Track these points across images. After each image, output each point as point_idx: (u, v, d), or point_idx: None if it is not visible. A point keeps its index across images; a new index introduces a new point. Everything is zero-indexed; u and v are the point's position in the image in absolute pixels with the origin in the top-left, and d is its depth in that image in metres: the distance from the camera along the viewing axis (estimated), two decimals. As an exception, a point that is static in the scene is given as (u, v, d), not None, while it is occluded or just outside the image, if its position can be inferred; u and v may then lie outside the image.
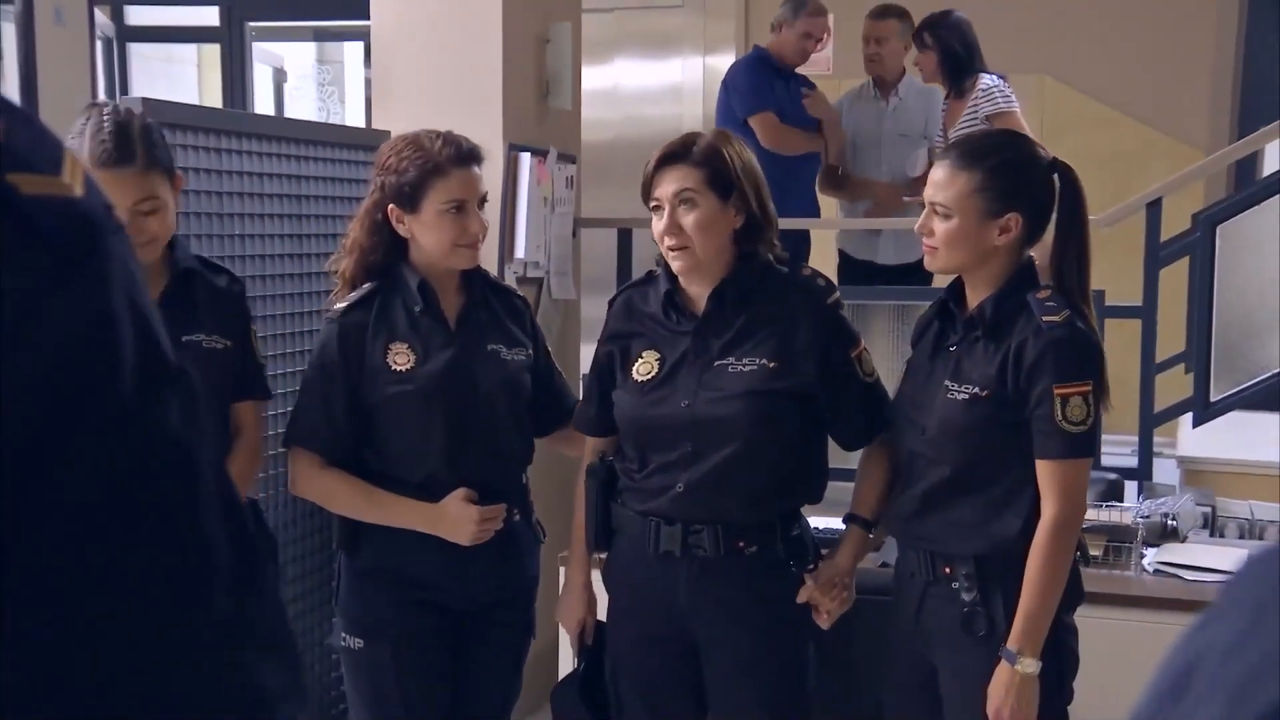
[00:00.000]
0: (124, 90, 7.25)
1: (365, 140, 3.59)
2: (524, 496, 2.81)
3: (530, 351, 2.81)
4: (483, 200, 2.69)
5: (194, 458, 0.66)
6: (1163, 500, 3.60)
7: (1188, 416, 4.27)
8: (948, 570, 2.44)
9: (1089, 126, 6.40)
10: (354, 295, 2.69)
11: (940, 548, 2.45)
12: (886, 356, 3.02)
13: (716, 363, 2.54)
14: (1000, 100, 4.84)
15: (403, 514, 2.65)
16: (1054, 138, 5.37)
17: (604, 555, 2.72)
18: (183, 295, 2.55)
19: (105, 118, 2.42)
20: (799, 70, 5.22)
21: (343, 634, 2.72)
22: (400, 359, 2.66)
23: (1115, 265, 4.27)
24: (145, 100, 2.74)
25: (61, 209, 0.61)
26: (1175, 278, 4.42)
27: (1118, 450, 4.31)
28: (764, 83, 5.08)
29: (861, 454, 2.70)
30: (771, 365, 2.52)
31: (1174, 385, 4.44)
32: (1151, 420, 4.08)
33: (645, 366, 2.60)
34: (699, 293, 2.59)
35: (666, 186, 2.52)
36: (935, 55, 4.94)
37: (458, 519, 2.63)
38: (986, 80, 4.87)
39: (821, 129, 5.12)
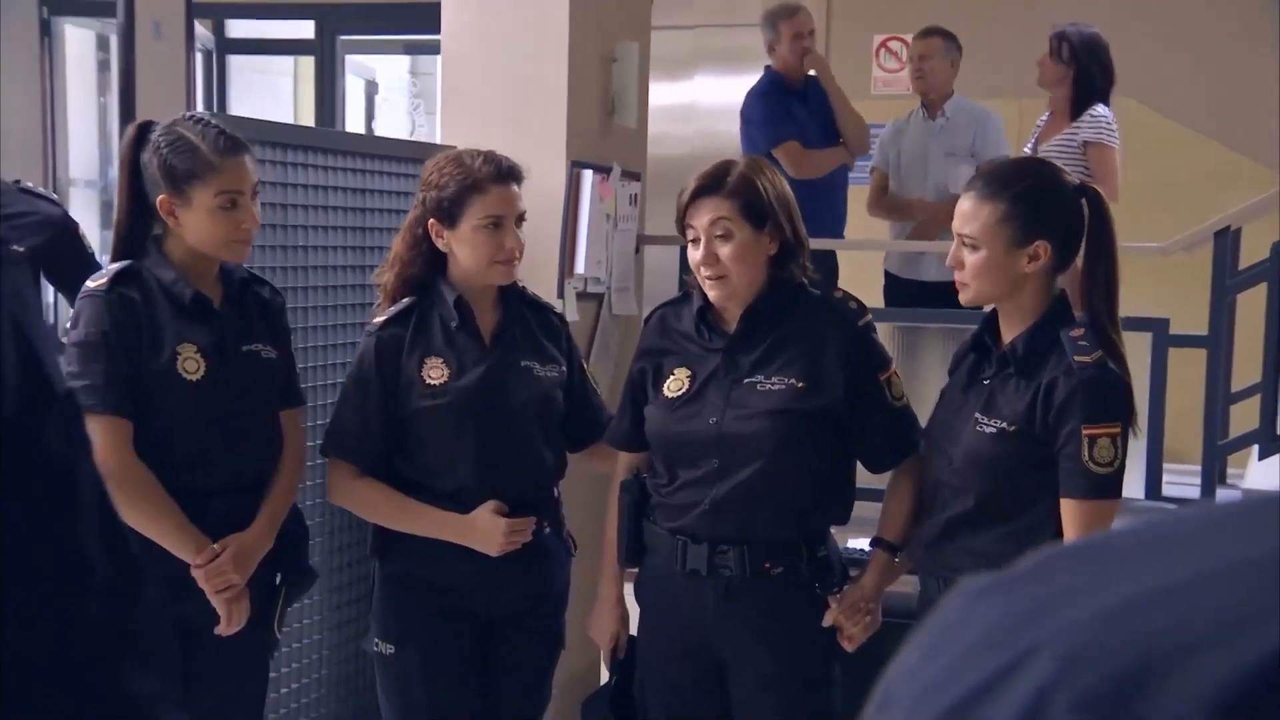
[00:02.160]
0: (221, 102, 7.45)
1: (428, 155, 3.64)
2: (555, 509, 2.85)
3: (564, 369, 2.85)
4: (520, 218, 2.74)
5: (74, 476, 0.71)
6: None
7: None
8: (966, 597, 2.42)
9: (1172, 150, 6.29)
10: (393, 309, 2.75)
11: (959, 575, 2.43)
12: (937, 379, 2.99)
13: (745, 380, 2.57)
14: (1105, 133, 4.72)
15: (433, 524, 2.71)
16: (1137, 161, 5.30)
17: (636, 569, 2.75)
18: (241, 305, 2.65)
19: (196, 122, 2.56)
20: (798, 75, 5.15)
21: (375, 640, 2.78)
22: (434, 373, 2.71)
23: (1194, 290, 4.21)
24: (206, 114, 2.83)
25: None
26: (1255, 306, 4.33)
27: (1185, 480, 4.24)
28: (780, 108, 5.03)
29: (890, 477, 2.70)
30: (800, 385, 2.53)
31: (1252, 415, 4.34)
32: (1214, 451, 4.01)
33: (676, 383, 2.63)
34: (732, 312, 2.62)
35: (702, 217, 2.56)
36: (1069, 73, 4.77)
37: (486, 530, 2.68)
38: (1101, 108, 4.75)
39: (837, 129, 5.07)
